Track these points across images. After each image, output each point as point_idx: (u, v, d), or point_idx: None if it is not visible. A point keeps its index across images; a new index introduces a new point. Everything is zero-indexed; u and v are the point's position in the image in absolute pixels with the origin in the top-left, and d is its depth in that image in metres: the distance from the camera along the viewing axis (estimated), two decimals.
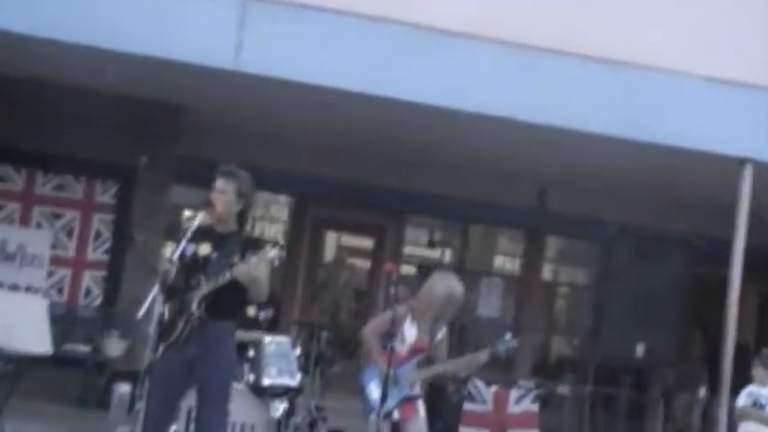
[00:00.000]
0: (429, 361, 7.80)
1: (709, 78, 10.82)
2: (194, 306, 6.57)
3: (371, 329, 7.82)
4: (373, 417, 7.52)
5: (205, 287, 6.57)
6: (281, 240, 6.59)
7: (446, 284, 7.76)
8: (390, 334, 7.32)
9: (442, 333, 7.77)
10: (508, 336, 7.95)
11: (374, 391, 7.48)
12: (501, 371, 14.92)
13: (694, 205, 13.44)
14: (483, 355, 7.85)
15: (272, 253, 6.57)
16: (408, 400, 7.54)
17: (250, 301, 7.12)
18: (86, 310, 12.75)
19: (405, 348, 7.64)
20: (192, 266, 6.67)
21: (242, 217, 6.92)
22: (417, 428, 7.56)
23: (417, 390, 7.63)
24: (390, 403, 7.52)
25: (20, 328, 6.05)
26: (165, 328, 6.55)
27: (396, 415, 7.55)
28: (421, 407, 7.63)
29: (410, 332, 7.66)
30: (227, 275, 6.52)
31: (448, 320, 7.82)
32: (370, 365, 7.76)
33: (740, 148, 10.92)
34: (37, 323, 6.18)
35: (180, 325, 6.58)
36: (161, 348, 6.53)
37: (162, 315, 6.52)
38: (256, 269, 6.54)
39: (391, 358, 7.24)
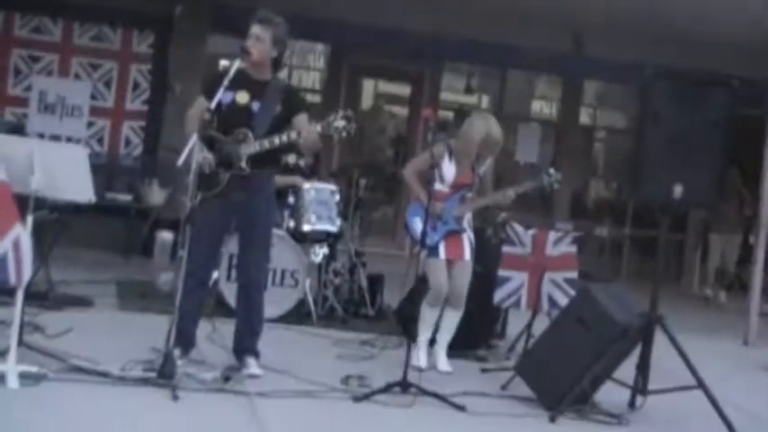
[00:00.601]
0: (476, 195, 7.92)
1: None
2: (243, 163, 6.59)
3: (412, 168, 7.92)
4: (417, 249, 7.66)
5: (256, 145, 6.56)
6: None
7: (484, 126, 7.78)
8: (431, 173, 7.40)
9: (485, 166, 7.87)
10: (552, 169, 8.05)
11: (418, 224, 7.54)
12: (541, 214, 15.08)
13: (735, 45, 13.28)
14: (527, 185, 8.02)
15: (340, 123, 6.52)
16: (454, 233, 7.65)
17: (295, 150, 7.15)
18: (127, 159, 12.90)
19: (445, 187, 7.75)
20: (230, 115, 6.64)
21: (277, 64, 6.86)
22: (463, 270, 7.66)
23: (464, 224, 7.72)
24: (436, 236, 7.66)
25: (62, 177, 6.10)
26: (206, 178, 6.58)
27: (442, 250, 7.68)
28: (467, 241, 7.74)
29: (449, 171, 7.75)
30: (284, 137, 6.52)
31: (489, 159, 7.89)
32: (413, 202, 7.91)
33: None
34: (79, 172, 6.23)
35: (225, 177, 6.62)
36: (199, 197, 6.57)
37: (201, 164, 6.53)
38: (315, 134, 6.55)
39: (432, 195, 7.30)
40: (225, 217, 6.76)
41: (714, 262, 14.52)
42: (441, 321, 7.79)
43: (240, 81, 6.64)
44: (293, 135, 6.54)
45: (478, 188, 7.91)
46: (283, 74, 15.17)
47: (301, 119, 6.71)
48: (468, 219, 7.86)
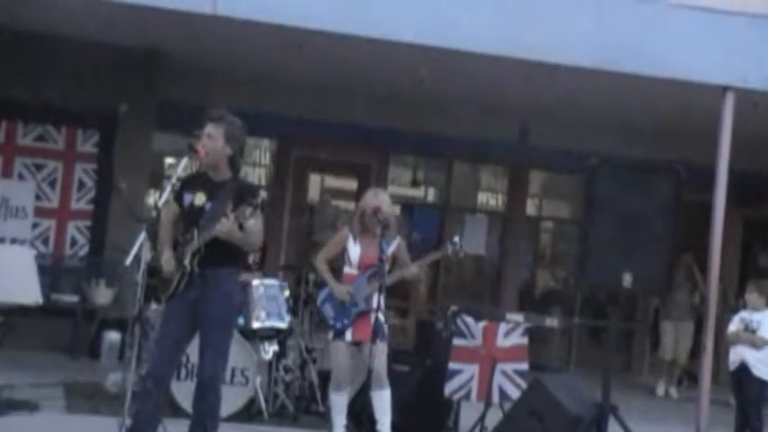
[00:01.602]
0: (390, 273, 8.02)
1: (690, 6, 10.80)
2: (187, 261, 6.56)
3: (322, 257, 8.17)
4: (330, 335, 7.92)
5: (195, 242, 6.55)
6: (263, 194, 6.41)
7: (372, 198, 8.02)
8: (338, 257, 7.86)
9: (394, 245, 8.01)
10: (456, 238, 8.21)
11: (329, 310, 7.92)
12: (488, 304, 15.10)
13: (677, 134, 13.50)
14: (432, 256, 8.29)
15: (248, 211, 6.40)
16: (364, 315, 7.71)
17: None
18: (72, 259, 12.72)
19: (354, 269, 7.96)
20: (188, 217, 6.66)
21: (234, 163, 6.82)
22: (375, 351, 7.59)
23: (374, 304, 7.67)
24: (346, 320, 7.80)
25: (8, 280, 6.03)
26: (162, 281, 6.54)
27: (349, 333, 7.82)
28: (375, 320, 7.68)
29: (354, 252, 7.95)
30: (213, 231, 6.47)
31: (392, 230, 8.01)
32: (324, 289, 8.09)
33: (722, 76, 10.92)
34: (25, 274, 6.17)
35: (176, 278, 6.58)
36: (162, 300, 6.51)
37: (154, 266, 6.49)
38: (235, 227, 6.46)
39: (341, 279, 7.81)
40: (185, 317, 6.66)
41: (666, 352, 14.03)
42: (374, 407, 7.75)
43: (200, 183, 6.65)
44: (212, 232, 6.46)
45: (393, 268, 8.05)
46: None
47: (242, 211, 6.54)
48: (380, 301, 7.79)
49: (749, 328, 9.75)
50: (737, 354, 9.76)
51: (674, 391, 13.97)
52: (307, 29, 10.14)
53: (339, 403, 7.96)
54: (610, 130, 13.77)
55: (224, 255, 6.61)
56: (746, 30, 11.06)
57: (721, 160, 10.95)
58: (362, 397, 7.87)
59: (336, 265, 8.12)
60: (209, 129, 6.65)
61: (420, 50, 10.47)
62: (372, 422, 7.68)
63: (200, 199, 6.66)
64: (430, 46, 10.32)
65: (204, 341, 6.72)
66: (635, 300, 15.47)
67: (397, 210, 8.11)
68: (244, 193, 6.59)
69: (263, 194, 6.58)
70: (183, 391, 7.47)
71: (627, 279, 6.79)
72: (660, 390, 14.03)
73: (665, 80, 10.80)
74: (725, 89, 10.88)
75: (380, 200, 7.97)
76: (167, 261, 6.54)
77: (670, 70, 10.74)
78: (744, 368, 9.67)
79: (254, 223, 6.53)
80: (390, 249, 7.95)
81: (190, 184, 6.68)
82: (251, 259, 9.70)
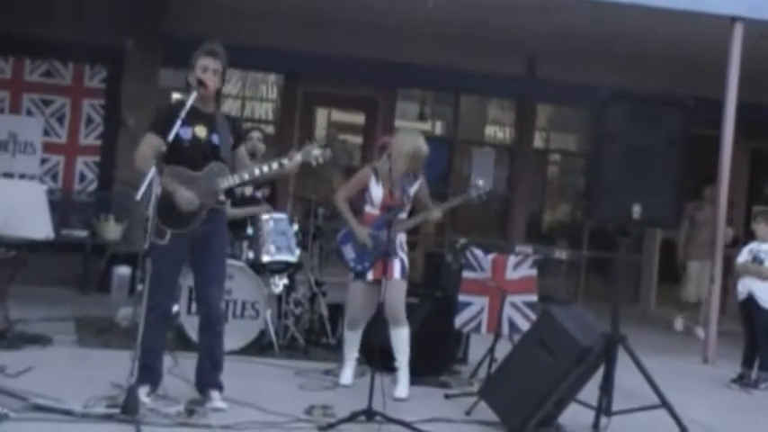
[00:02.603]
0: (411, 214, 8.04)
1: None
2: (222, 195, 6.69)
3: (342, 195, 8.07)
4: (351, 276, 7.90)
5: (235, 178, 6.68)
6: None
7: (411, 141, 7.92)
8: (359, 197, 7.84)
9: (416, 185, 7.95)
10: (480, 181, 8.13)
11: (350, 251, 7.87)
12: (498, 237, 15.14)
13: (687, 67, 13.45)
14: (455, 201, 8.17)
15: (317, 152, 6.72)
16: (383, 256, 7.63)
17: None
18: (82, 195, 12.77)
19: (375, 209, 7.90)
20: (195, 150, 6.65)
21: (218, 95, 7.00)
22: (394, 288, 7.66)
23: (396, 247, 7.73)
24: (367, 263, 7.79)
25: (20, 215, 6.07)
26: (175, 217, 6.56)
27: (370, 274, 7.81)
28: (398, 262, 7.76)
29: (377, 192, 7.89)
30: (265, 168, 6.70)
31: (418, 174, 7.96)
32: (344, 228, 8.02)
33: (730, 7, 10.87)
34: (36, 209, 6.21)
35: (203, 213, 6.61)
36: (169, 233, 6.54)
37: (167, 201, 6.52)
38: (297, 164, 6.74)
39: (361, 218, 7.82)
40: (183, 250, 6.73)
41: (690, 294, 13.26)
42: (392, 344, 7.79)
43: (193, 115, 6.65)
44: (274, 165, 6.71)
45: (413, 208, 8.02)
46: (237, 105, 15.29)
47: (242, 150, 6.96)
48: (401, 241, 7.89)
49: (757, 259, 9.79)
50: (745, 285, 9.82)
51: (700, 332, 12.34)
52: None
53: (352, 339, 8.04)
54: (617, 63, 13.71)
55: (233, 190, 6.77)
56: None
57: (729, 93, 10.95)
58: (373, 330, 7.91)
59: (355, 204, 8.07)
60: (212, 63, 6.68)
61: None
62: (388, 357, 7.72)
63: (201, 131, 6.69)
64: None
65: (209, 276, 6.80)
66: (642, 232, 15.51)
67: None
68: (238, 128, 7.02)
69: (315, 148, 6.85)
70: (193, 325, 7.53)
71: (636, 211, 6.80)
72: (678, 325, 13.44)
73: (673, 11, 10.75)
74: (733, 20, 10.83)
75: (422, 144, 7.89)
76: (190, 200, 6.56)
77: (678, 1, 10.70)
78: (751, 299, 9.74)
79: (296, 155, 6.77)
80: (413, 189, 7.91)
81: (180, 116, 6.55)
82: (260, 195, 9.74)
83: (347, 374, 7.99)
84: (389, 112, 15.72)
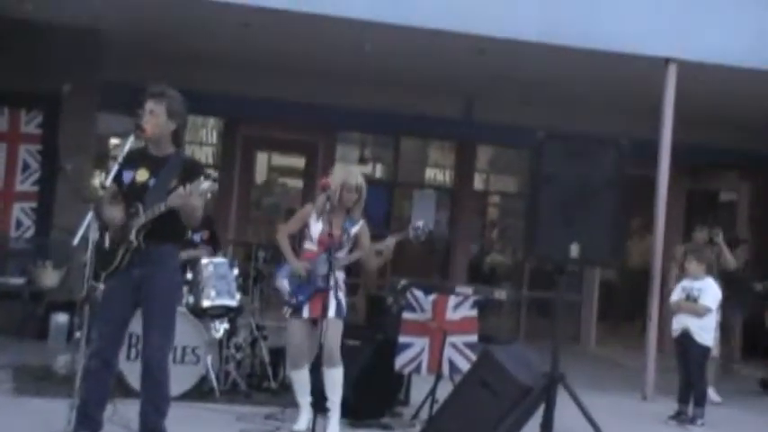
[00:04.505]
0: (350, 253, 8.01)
1: None
2: (133, 235, 6.52)
3: (283, 231, 8.14)
4: (287, 312, 7.89)
5: (143, 216, 6.51)
6: (212, 173, 6.39)
7: (341, 173, 8.00)
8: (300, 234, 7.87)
9: (358, 226, 7.97)
10: (420, 223, 8.07)
11: (286, 286, 7.90)
12: (439, 278, 15.18)
13: (621, 107, 13.64)
14: (394, 239, 8.03)
15: (206, 185, 6.43)
16: (321, 292, 7.64)
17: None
18: (19, 241, 12.61)
19: (314, 245, 7.92)
20: (130, 193, 6.59)
21: (177, 137, 6.78)
22: (329, 327, 7.60)
23: (332, 282, 7.62)
24: (302, 296, 7.78)
25: None
26: (104, 256, 6.51)
27: (306, 310, 7.80)
28: (333, 300, 7.69)
29: (315, 228, 7.91)
30: (162, 206, 6.44)
31: (358, 210, 7.99)
32: (282, 264, 8.04)
33: (663, 48, 11.06)
34: None
35: (120, 253, 6.54)
36: (103, 276, 6.47)
37: (99, 242, 6.46)
38: (190, 198, 6.45)
39: (301, 254, 7.83)
40: (128, 295, 6.60)
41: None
42: (324, 384, 7.72)
43: (141, 159, 6.61)
44: (163, 206, 6.42)
45: (353, 249, 7.98)
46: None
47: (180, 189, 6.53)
48: (338, 280, 7.86)
49: (690, 297, 9.92)
50: (680, 322, 9.94)
51: (713, 394, 10.96)
52: (251, 6, 10.15)
53: (300, 380, 7.94)
54: (555, 104, 13.87)
55: (168, 231, 6.58)
56: (688, 3, 11.22)
57: (664, 132, 11.13)
58: (314, 373, 7.89)
59: (295, 242, 8.09)
60: (151, 105, 6.61)
61: (364, 27, 10.50)
62: (323, 398, 7.70)
63: (142, 175, 6.61)
64: (375, 22, 10.36)
65: (149, 321, 6.67)
66: (582, 272, 15.62)
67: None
68: (190, 168, 6.59)
69: (213, 174, 6.61)
70: (133, 372, 7.44)
71: (574, 250, 6.87)
72: (713, 396, 11.06)
73: (608, 53, 10.92)
74: (667, 61, 11.02)
75: (354, 175, 7.98)
76: (113, 216, 6.49)
77: (613, 43, 10.87)
78: (687, 335, 9.86)
79: (198, 200, 6.52)
80: (354, 230, 7.93)
81: (130, 160, 6.58)
82: (198, 238, 9.70)
83: (302, 420, 7.86)
84: (330, 155, 15.75)
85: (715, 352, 11.03)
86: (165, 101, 6.63)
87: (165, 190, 6.51)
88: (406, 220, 15.56)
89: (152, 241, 6.53)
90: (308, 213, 7.99)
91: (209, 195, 6.60)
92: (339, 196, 7.80)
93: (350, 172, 8.06)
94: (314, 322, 7.77)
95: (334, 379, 7.75)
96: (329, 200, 7.71)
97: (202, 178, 6.40)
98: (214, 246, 9.91)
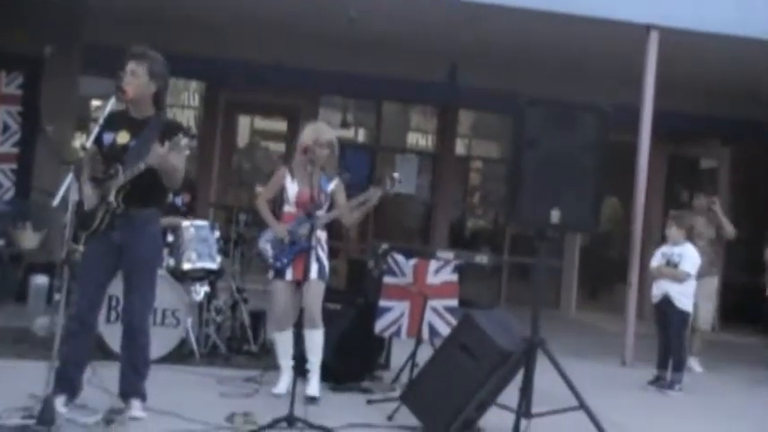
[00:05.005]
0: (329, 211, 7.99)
1: None
2: (112, 197, 6.49)
3: (262, 197, 8.14)
4: (270, 274, 7.91)
5: (122, 177, 6.48)
6: (193, 127, 6.36)
7: (311, 130, 7.97)
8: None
9: (333, 184, 7.98)
10: (396, 174, 8.06)
11: (269, 249, 7.88)
12: (420, 243, 15.21)
13: (604, 73, 13.63)
14: (368, 194, 7.98)
15: (184, 141, 6.42)
16: (303, 253, 7.63)
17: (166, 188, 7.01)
18: None
19: (292, 207, 7.94)
20: (111, 155, 6.56)
21: (158, 100, 6.74)
22: (311, 289, 7.65)
23: (313, 242, 7.57)
24: (285, 259, 7.81)
25: None
26: (84, 218, 6.48)
27: (289, 272, 7.82)
28: (315, 260, 7.68)
29: (292, 189, 7.93)
30: (141, 165, 6.41)
31: (331, 167, 7.99)
32: (265, 229, 8.04)
33: (645, 15, 11.05)
34: None
35: (99, 214, 6.52)
36: (83, 238, 6.46)
37: (78, 203, 6.43)
38: (169, 156, 6.42)
39: (282, 218, 7.88)
40: (108, 258, 6.61)
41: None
42: (305, 346, 7.73)
43: (122, 121, 6.60)
44: (142, 165, 6.38)
45: (330, 205, 7.98)
46: None
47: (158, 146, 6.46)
48: (320, 240, 7.87)
49: (671, 263, 9.95)
50: (660, 287, 9.98)
51: (695, 364, 11.12)
52: None
53: (283, 342, 7.91)
54: (537, 70, 13.85)
55: (148, 193, 6.57)
56: None
57: (646, 99, 11.14)
58: (294, 336, 7.90)
59: (275, 207, 8.09)
60: (132, 66, 6.57)
61: None
62: (303, 361, 7.71)
63: (123, 137, 6.58)
64: None
65: (130, 285, 6.69)
66: (563, 237, 15.68)
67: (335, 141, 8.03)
68: (170, 130, 6.54)
69: (192, 130, 6.58)
70: (113, 334, 7.45)
71: (555, 215, 6.87)
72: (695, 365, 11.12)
73: (590, 19, 10.90)
74: (648, 28, 11.01)
75: (325, 131, 7.97)
76: (89, 197, 6.47)
77: (595, 9, 10.85)
78: (667, 301, 9.89)
79: (179, 157, 6.50)
80: (329, 187, 7.93)
81: (110, 123, 6.57)
82: (180, 201, 9.68)
83: (282, 383, 7.85)
84: (312, 119, 15.66)
85: (707, 326, 11.05)
86: (146, 62, 6.60)
87: (146, 150, 6.48)
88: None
89: (133, 205, 6.51)
90: (282, 176, 7.98)
91: (187, 152, 6.55)
92: (312, 153, 7.76)
93: (320, 128, 8.04)
94: (297, 284, 7.79)
95: (315, 340, 7.77)
96: (311, 162, 7.67)
97: (181, 134, 6.38)
98: (191, 209, 9.90)
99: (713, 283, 11.26)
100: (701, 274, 10.34)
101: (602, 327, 14.44)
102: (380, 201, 8.00)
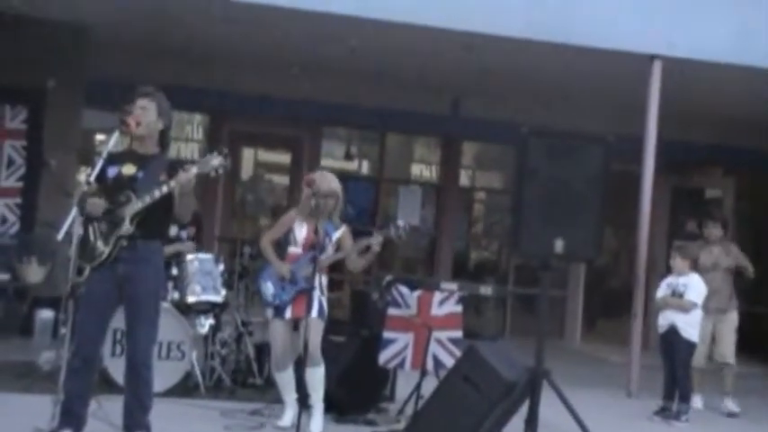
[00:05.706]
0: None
1: None
2: (127, 222, 6.50)
3: (267, 238, 8.15)
4: (269, 311, 7.94)
5: (138, 202, 6.48)
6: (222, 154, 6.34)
7: (321, 180, 7.96)
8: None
9: (340, 232, 8.01)
10: (400, 222, 8.10)
11: (270, 287, 7.91)
12: (424, 274, 15.19)
13: (607, 104, 13.66)
14: (372, 240, 7.97)
15: (216, 161, 6.46)
16: (303, 293, 7.68)
17: (174, 220, 7.03)
18: (3, 237, 12.57)
19: (299, 248, 7.96)
20: (116, 187, 6.58)
21: (163, 138, 6.82)
22: (311, 327, 7.59)
23: (314, 283, 7.61)
24: (285, 297, 7.82)
25: None
26: (89, 250, 6.49)
27: (288, 311, 7.84)
28: (316, 300, 7.71)
29: (300, 232, 7.97)
30: (165, 188, 6.40)
31: (337, 215, 8.03)
32: (267, 266, 8.08)
33: (649, 45, 11.08)
34: None
35: (110, 245, 6.51)
36: (87, 270, 6.46)
37: (83, 237, 6.44)
38: (192, 182, 6.45)
39: (285, 257, 7.91)
40: (111, 291, 6.60)
41: (698, 357, 10.38)
42: (306, 383, 7.77)
43: (126, 156, 6.65)
44: (171, 184, 6.42)
45: (336, 250, 8.02)
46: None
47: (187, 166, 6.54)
48: (321, 282, 7.89)
49: (676, 293, 9.95)
50: (666, 318, 9.97)
51: (731, 404, 10.74)
52: (236, 1, 10.13)
53: (284, 380, 7.99)
54: (540, 100, 13.89)
55: (157, 224, 6.60)
56: (673, 0, 11.25)
57: (649, 129, 11.15)
58: (298, 369, 7.90)
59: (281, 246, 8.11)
60: (143, 102, 6.65)
61: (351, 22, 10.49)
62: (308, 393, 7.72)
63: (128, 169, 6.61)
64: (361, 17, 10.36)
65: (135, 319, 6.66)
66: (567, 268, 15.66)
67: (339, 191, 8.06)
68: (175, 168, 6.55)
69: (216, 157, 6.60)
70: (118, 368, 7.44)
71: (558, 245, 6.88)
72: (698, 402, 10.69)
73: (593, 50, 10.93)
74: (652, 58, 11.04)
75: (328, 180, 7.99)
76: (95, 204, 6.46)
77: (599, 40, 10.88)
78: (673, 331, 9.88)
79: (191, 169, 6.51)
80: (336, 235, 7.96)
81: (114, 157, 6.61)
82: (185, 235, 9.70)
83: (287, 416, 7.92)
84: (315, 151, 15.75)
85: (732, 359, 10.69)
86: (155, 99, 6.71)
87: (156, 181, 6.51)
88: (391, 216, 15.55)
89: (141, 235, 6.52)
90: (291, 219, 8.04)
91: (220, 171, 6.55)
92: (317, 203, 7.79)
93: (323, 177, 8.05)
94: (295, 323, 7.82)
95: (316, 377, 7.79)
96: (314, 196, 7.69)
97: (215, 153, 6.43)
98: (197, 241, 9.91)
99: (734, 315, 10.79)
100: (723, 309, 10.42)
101: (606, 357, 14.39)
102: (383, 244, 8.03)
